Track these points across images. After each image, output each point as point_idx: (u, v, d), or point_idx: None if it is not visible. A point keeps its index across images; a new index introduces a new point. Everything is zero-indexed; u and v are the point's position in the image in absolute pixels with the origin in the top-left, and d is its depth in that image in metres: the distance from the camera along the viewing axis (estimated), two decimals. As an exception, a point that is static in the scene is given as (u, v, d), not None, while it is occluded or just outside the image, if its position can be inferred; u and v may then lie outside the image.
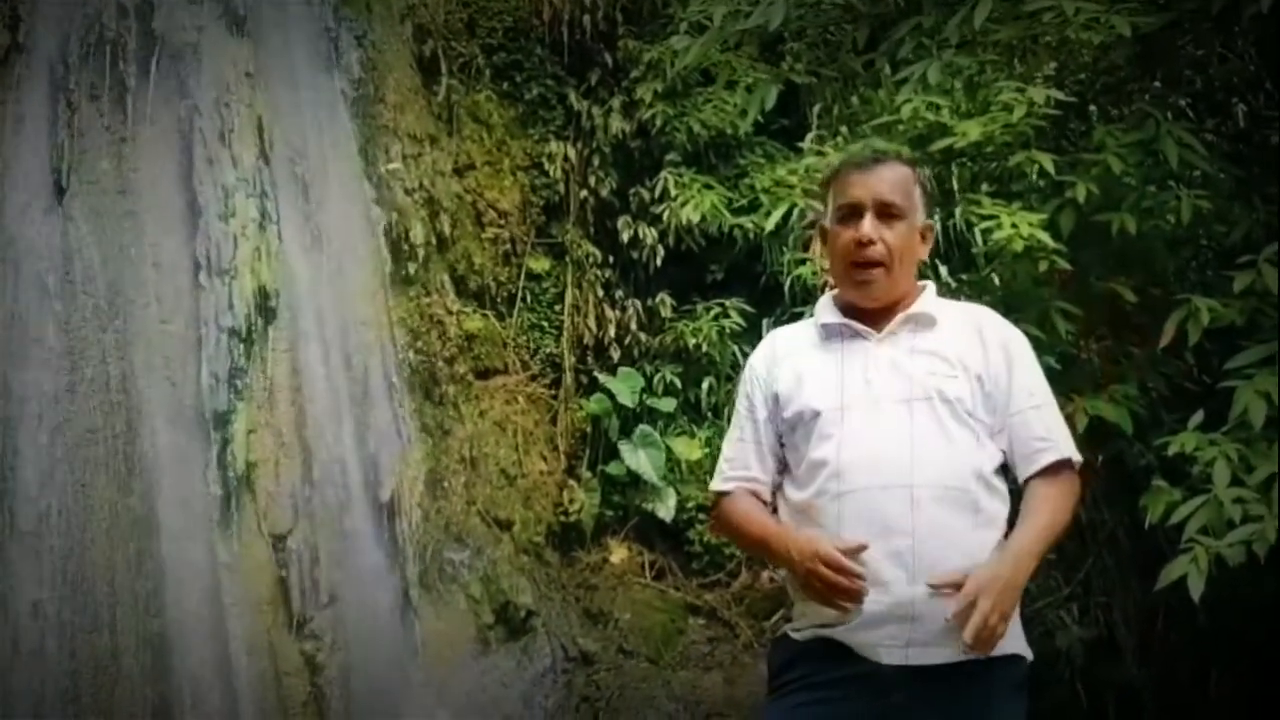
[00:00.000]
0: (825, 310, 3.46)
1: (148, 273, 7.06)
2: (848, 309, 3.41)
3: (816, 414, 3.31)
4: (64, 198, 6.90)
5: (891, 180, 3.39)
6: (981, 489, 3.22)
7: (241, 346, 7.19)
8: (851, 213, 3.35)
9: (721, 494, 3.51)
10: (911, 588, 3.13)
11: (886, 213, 3.34)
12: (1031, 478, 3.29)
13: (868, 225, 3.31)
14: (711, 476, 3.54)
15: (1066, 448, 3.29)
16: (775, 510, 3.45)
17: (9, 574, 6.28)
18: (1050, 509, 3.25)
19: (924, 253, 3.45)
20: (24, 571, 6.31)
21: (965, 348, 3.31)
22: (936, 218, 3.61)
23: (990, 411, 3.27)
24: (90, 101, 7.08)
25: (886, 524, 3.17)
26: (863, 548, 3.11)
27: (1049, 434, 3.29)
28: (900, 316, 3.36)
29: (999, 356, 3.30)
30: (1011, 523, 3.26)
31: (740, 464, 3.47)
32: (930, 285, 3.45)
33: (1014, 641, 3.21)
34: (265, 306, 7.28)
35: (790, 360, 3.44)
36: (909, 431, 3.23)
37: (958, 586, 3.07)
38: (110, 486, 6.65)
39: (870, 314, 3.37)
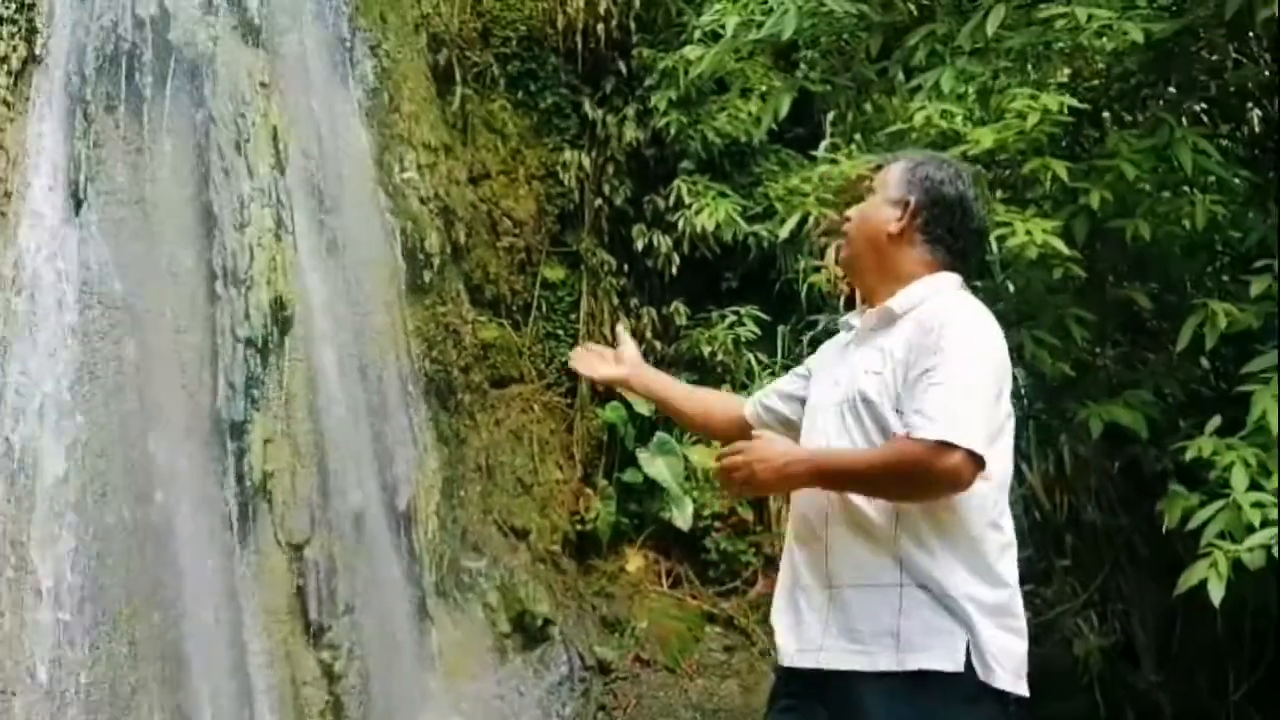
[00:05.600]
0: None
1: (164, 283, 7.06)
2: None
3: (801, 416, 3.54)
4: (81, 209, 6.91)
5: (885, 169, 3.54)
6: None
7: (258, 356, 7.19)
8: None
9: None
10: (824, 593, 3.24)
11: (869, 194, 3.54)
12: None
13: (851, 209, 3.55)
14: None
15: (947, 430, 3.01)
16: None
17: (28, 585, 6.29)
18: (872, 455, 3.15)
19: (895, 226, 3.39)
20: (42, 583, 6.31)
21: (903, 341, 3.23)
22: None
23: (900, 401, 3.19)
24: (107, 113, 7.09)
25: (810, 530, 3.31)
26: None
27: (934, 413, 3.04)
28: (870, 312, 3.42)
29: (928, 343, 3.16)
30: None
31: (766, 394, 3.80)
32: (934, 277, 3.37)
33: (922, 656, 3.11)
34: (281, 316, 7.29)
35: (822, 354, 3.65)
36: (835, 434, 3.30)
37: None
38: (128, 497, 6.64)
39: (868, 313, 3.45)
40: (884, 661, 3.11)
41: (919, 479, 3.05)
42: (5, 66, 6.81)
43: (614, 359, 4.06)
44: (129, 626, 6.50)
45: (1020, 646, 3.21)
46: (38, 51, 6.95)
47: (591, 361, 4.09)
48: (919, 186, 3.41)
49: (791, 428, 3.56)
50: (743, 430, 3.66)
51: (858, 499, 3.18)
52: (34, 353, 6.64)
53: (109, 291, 6.88)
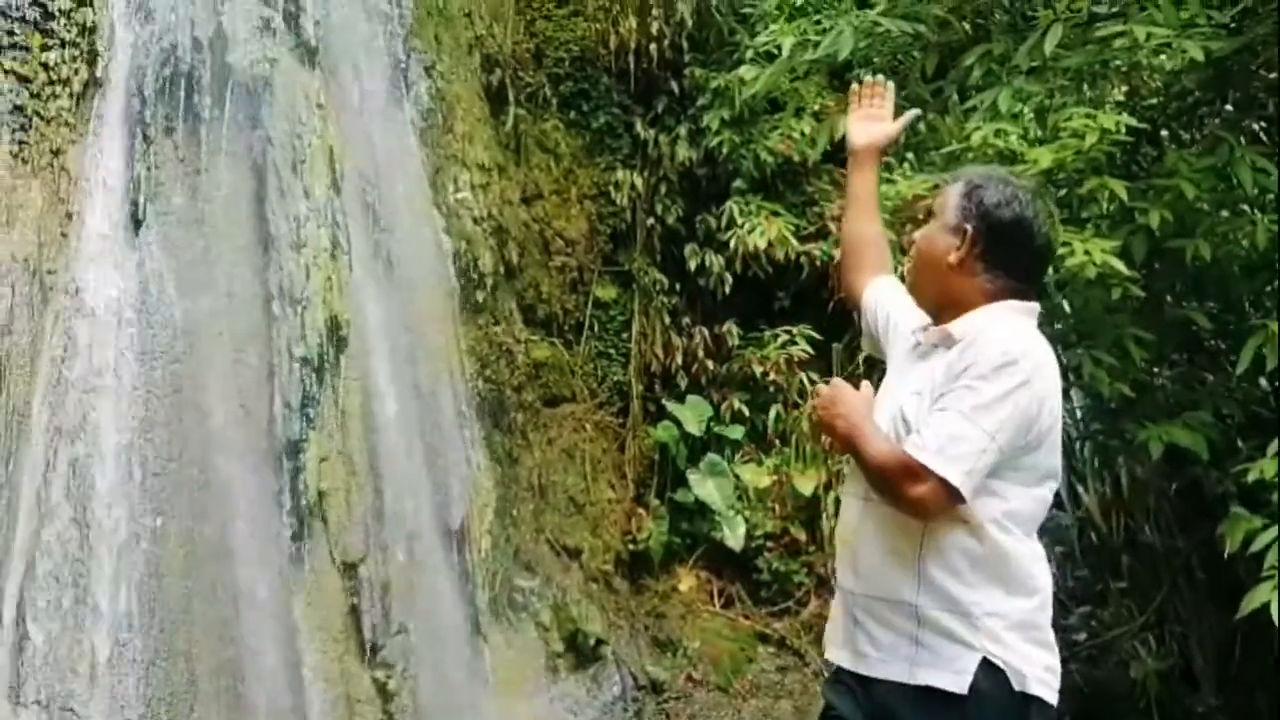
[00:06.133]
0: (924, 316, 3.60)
1: (222, 303, 7.11)
2: None
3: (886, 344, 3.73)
4: (140, 229, 6.98)
5: (944, 189, 3.56)
6: None
7: (314, 375, 7.24)
8: None
9: None
10: (854, 587, 3.37)
11: (929, 217, 3.56)
12: None
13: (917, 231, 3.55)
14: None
15: (931, 457, 3.13)
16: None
17: (89, 603, 6.34)
18: (882, 451, 3.23)
19: (954, 256, 3.39)
20: (101, 600, 6.37)
21: (944, 366, 3.29)
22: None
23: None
24: (166, 134, 7.15)
25: (844, 529, 3.49)
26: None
27: (928, 437, 3.16)
28: (931, 331, 3.44)
29: (956, 370, 3.23)
30: None
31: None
32: (995, 305, 3.37)
33: (931, 673, 3.21)
34: (337, 336, 7.33)
35: (900, 337, 3.67)
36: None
37: None
38: (186, 516, 6.69)
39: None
40: (898, 672, 3.24)
41: (891, 492, 3.21)
42: (67, 89, 6.88)
43: (881, 126, 3.98)
44: (186, 644, 6.54)
45: (1052, 658, 3.27)
46: (98, 74, 7.03)
47: (862, 123, 3.99)
48: (976, 213, 3.39)
49: (875, 348, 3.79)
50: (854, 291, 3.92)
51: (886, 511, 3.28)
52: (93, 372, 6.71)
53: (167, 311, 6.94)
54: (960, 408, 3.16)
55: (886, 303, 3.77)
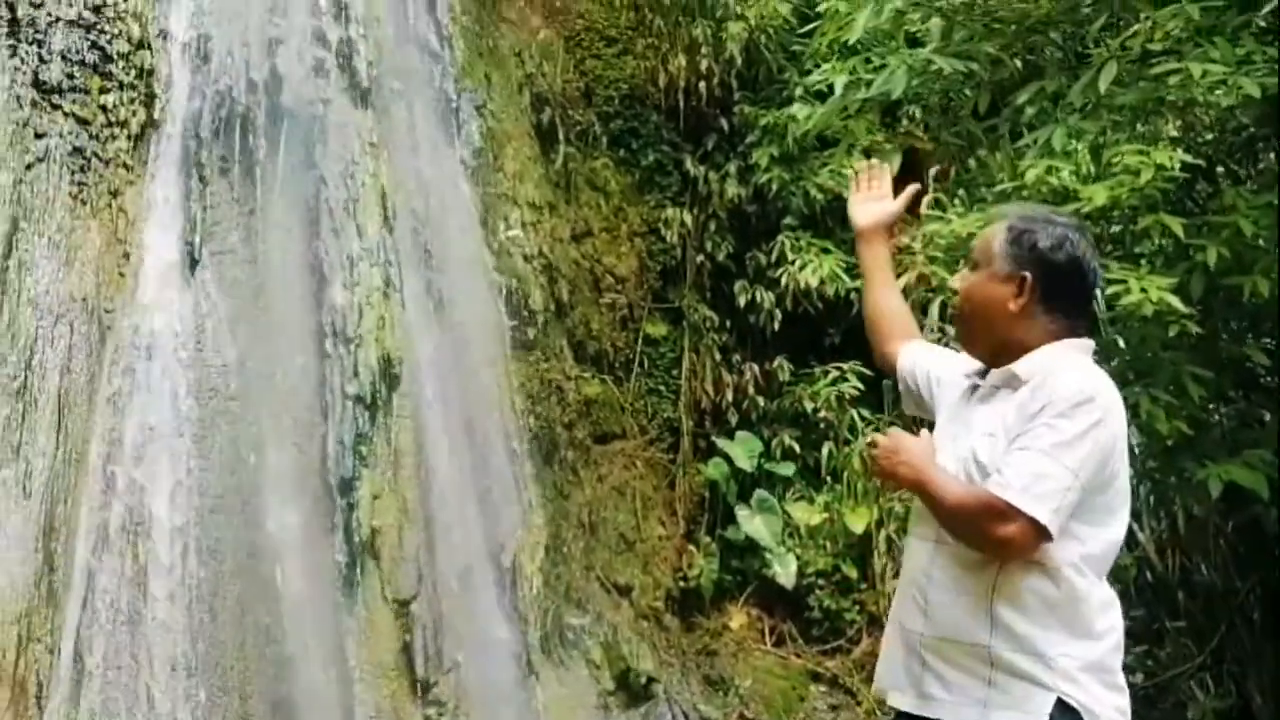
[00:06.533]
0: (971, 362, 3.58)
1: (276, 341, 7.17)
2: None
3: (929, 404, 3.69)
4: (196, 268, 7.06)
5: (984, 235, 3.53)
6: None
7: (366, 413, 7.29)
8: None
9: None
10: (923, 629, 3.34)
11: (974, 265, 3.50)
12: None
13: (955, 279, 3.54)
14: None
15: (1018, 496, 3.12)
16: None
17: (144, 641, 6.39)
18: (959, 492, 3.24)
19: (1015, 304, 3.38)
20: (157, 638, 6.41)
21: (1016, 406, 3.28)
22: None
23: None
24: (221, 174, 7.25)
25: (912, 571, 3.45)
26: None
27: (1012, 477, 3.15)
28: (994, 374, 3.42)
29: (1032, 410, 3.22)
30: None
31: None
32: (1057, 345, 3.37)
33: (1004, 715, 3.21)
34: (389, 373, 7.38)
35: (943, 393, 3.68)
36: None
37: None
38: (240, 553, 6.74)
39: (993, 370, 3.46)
40: (970, 715, 3.23)
41: (974, 534, 3.21)
42: (125, 131, 6.99)
43: (882, 205, 4.10)
44: (240, 682, 6.58)
45: (1122, 700, 3.27)
46: (156, 116, 7.14)
47: (864, 204, 4.12)
48: (1031, 260, 3.38)
49: (921, 406, 3.78)
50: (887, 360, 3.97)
51: (959, 554, 3.28)
52: (151, 410, 6.78)
53: (222, 349, 7.00)
54: (1041, 446, 3.15)
55: (924, 362, 3.83)
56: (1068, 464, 3.13)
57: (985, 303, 3.43)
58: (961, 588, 3.28)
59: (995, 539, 3.15)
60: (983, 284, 3.44)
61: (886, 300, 4.06)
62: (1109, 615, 3.28)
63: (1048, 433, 3.16)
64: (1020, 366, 3.33)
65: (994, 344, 3.43)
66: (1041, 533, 3.12)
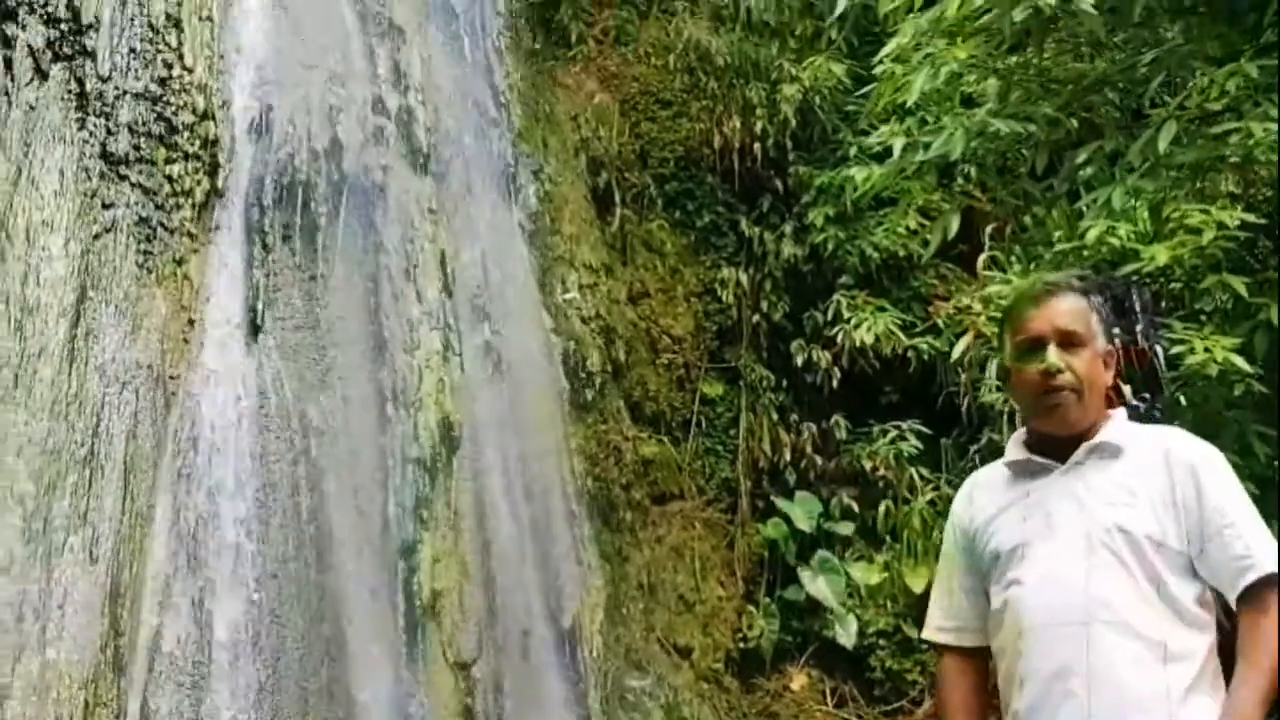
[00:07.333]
0: (1013, 448, 3.45)
1: (337, 405, 7.23)
2: (1037, 443, 3.39)
3: (998, 555, 3.34)
4: (259, 335, 7.13)
5: (1069, 310, 3.37)
6: (1171, 623, 3.12)
7: (426, 476, 7.32)
8: (1033, 346, 3.33)
9: (939, 647, 3.54)
10: None
11: (1069, 341, 3.31)
12: (1241, 605, 3.12)
13: (1053, 354, 3.28)
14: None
15: (1269, 562, 3.06)
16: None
17: (208, 703, 6.41)
18: (1264, 649, 3.06)
19: (1109, 379, 3.37)
20: (222, 701, 6.44)
21: (1151, 475, 3.21)
22: (1118, 340, 3.50)
23: (1184, 540, 3.16)
24: (283, 241, 7.33)
25: (1063, 664, 3.15)
26: None
27: (1247, 551, 3.09)
28: (1085, 446, 3.30)
29: (1186, 480, 3.17)
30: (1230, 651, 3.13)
31: (952, 612, 3.50)
32: (1120, 412, 3.37)
33: None
34: (449, 436, 7.42)
35: (983, 501, 3.45)
36: (1085, 568, 3.18)
37: None
38: (303, 615, 6.76)
39: (1058, 447, 3.33)
40: None
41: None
42: (189, 200, 7.09)
43: None
44: (304, 744, 6.59)
45: None
46: (219, 185, 7.23)
47: None
48: (1109, 334, 3.41)
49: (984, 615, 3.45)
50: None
51: (1125, 634, 3.12)
52: (213, 474, 6.83)
53: (285, 414, 7.06)
54: (1238, 506, 3.16)
55: (952, 610, 3.53)
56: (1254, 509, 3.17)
57: (1099, 381, 3.35)
58: (1127, 668, 3.12)
59: None
60: (1094, 362, 3.34)
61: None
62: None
63: (1230, 495, 3.16)
64: (1111, 436, 3.29)
65: (1096, 417, 3.36)
66: None
